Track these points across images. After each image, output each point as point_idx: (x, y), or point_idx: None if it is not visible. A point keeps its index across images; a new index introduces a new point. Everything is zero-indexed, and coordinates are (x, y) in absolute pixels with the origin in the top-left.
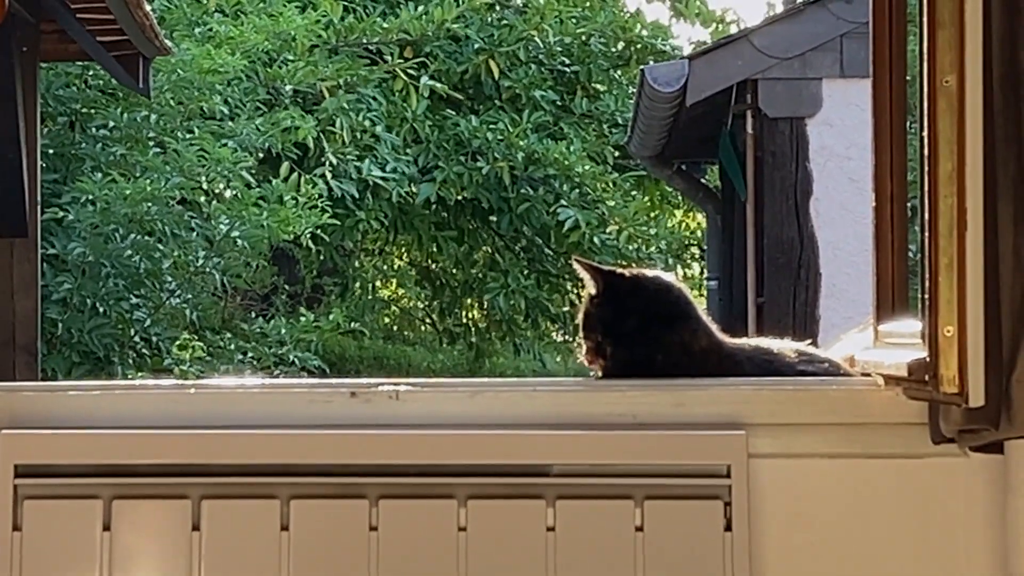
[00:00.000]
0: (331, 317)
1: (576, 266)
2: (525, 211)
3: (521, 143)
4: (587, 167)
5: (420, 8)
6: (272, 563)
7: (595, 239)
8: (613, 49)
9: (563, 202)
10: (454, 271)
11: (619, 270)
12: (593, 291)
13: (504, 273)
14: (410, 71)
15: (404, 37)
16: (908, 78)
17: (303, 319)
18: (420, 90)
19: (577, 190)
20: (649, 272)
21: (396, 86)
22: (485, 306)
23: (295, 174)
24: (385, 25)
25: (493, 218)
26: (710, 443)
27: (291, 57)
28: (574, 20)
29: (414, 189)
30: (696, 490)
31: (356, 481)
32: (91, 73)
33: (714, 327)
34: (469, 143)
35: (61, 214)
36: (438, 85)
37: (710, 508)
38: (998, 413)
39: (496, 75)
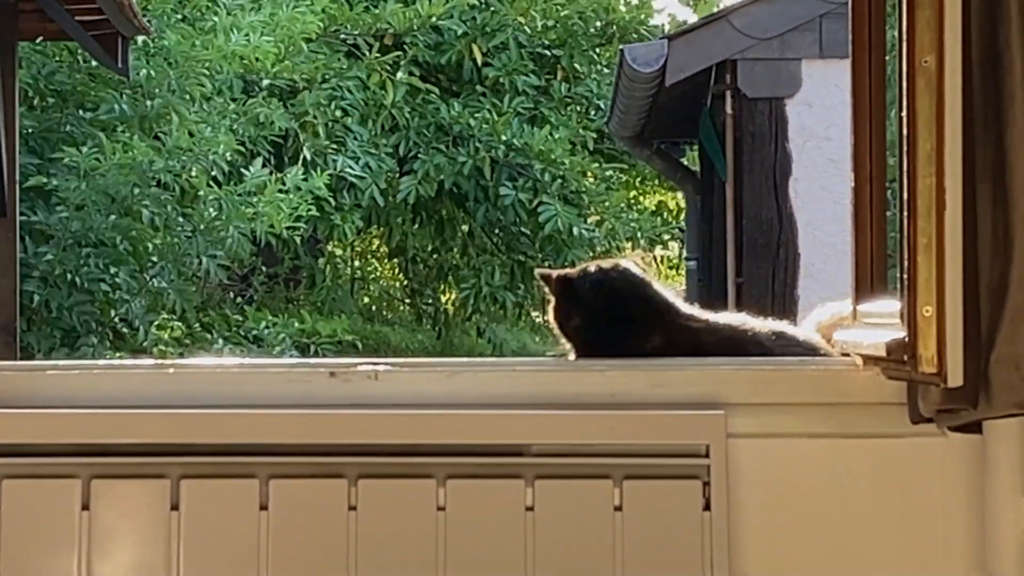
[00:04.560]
0: (312, 318)
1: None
2: (505, 201)
3: (503, 136)
4: (569, 159)
5: (404, 6)
6: (251, 542)
7: (574, 230)
8: (593, 28)
9: (544, 198)
10: (432, 257)
11: (568, 273)
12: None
13: (478, 270)
14: (388, 64)
15: (386, 28)
16: (887, 58)
17: (286, 317)
18: (396, 84)
19: (559, 181)
20: (595, 269)
21: (373, 79)
22: (459, 294)
23: (275, 165)
24: (376, 12)
25: (471, 205)
26: (689, 423)
27: (275, 49)
28: (558, 6)
29: (393, 184)
30: (675, 470)
31: (335, 461)
32: (81, 54)
33: (682, 308)
34: (450, 129)
35: (44, 180)
36: (416, 81)
37: (689, 488)
38: (976, 393)
39: (479, 61)
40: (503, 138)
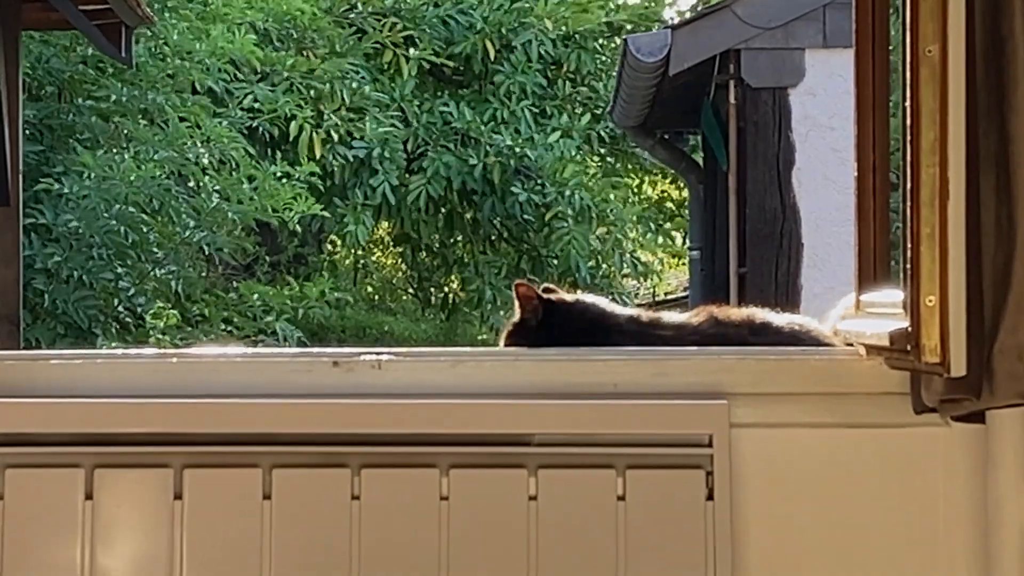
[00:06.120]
0: (315, 287)
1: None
2: (514, 209)
3: (516, 148)
4: (577, 168)
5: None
6: (254, 532)
7: (583, 243)
8: (600, 23)
9: (557, 210)
10: (437, 247)
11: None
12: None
13: (484, 259)
14: (399, 44)
15: (396, 20)
16: (891, 48)
17: (287, 289)
18: (410, 66)
19: (569, 195)
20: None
21: (385, 57)
22: (464, 284)
23: (282, 153)
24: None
25: (478, 199)
26: (692, 412)
27: (286, 34)
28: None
29: (402, 179)
30: (678, 459)
31: (338, 450)
32: (83, 44)
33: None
34: (459, 127)
35: (57, 186)
36: (429, 56)
37: (692, 477)
38: (980, 383)
39: (492, 57)
40: (516, 152)
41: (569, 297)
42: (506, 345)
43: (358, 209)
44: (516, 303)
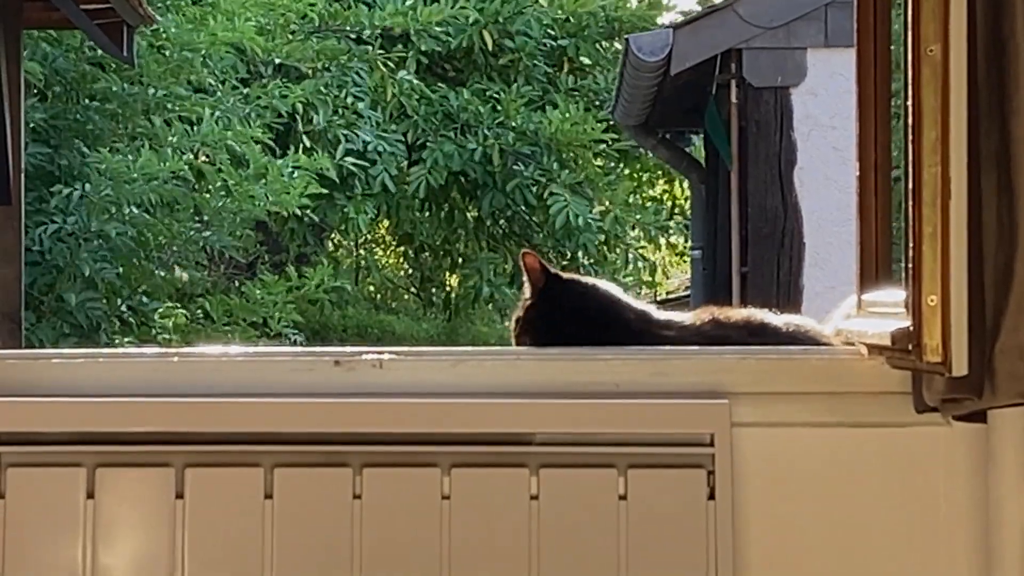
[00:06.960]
0: (316, 272)
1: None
2: (513, 188)
3: (515, 122)
4: (577, 135)
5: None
6: (256, 531)
7: (580, 220)
8: (602, 25)
9: (553, 188)
10: (437, 244)
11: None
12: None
13: (486, 255)
14: (391, 61)
15: (388, 30)
16: (892, 47)
17: (290, 280)
18: (399, 81)
19: (567, 169)
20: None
21: (375, 77)
22: (465, 282)
23: (283, 150)
24: (375, 19)
25: (479, 192)
26: (693, 412)
27: (276, 34)
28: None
29: (403, 171)
30: (679, 459)
31: (340, 449)
32: (91, 45)
33: (656, 317)
34: (458, 116)
35: (66, 187)
36: (418, 81)
37: (693, 477)
38: (981, 382)
39: (490, 47)
40: (515, 121)
41: (584, 279)
42: (516, 321)
43: (358, 201)
44: (525, 277)
